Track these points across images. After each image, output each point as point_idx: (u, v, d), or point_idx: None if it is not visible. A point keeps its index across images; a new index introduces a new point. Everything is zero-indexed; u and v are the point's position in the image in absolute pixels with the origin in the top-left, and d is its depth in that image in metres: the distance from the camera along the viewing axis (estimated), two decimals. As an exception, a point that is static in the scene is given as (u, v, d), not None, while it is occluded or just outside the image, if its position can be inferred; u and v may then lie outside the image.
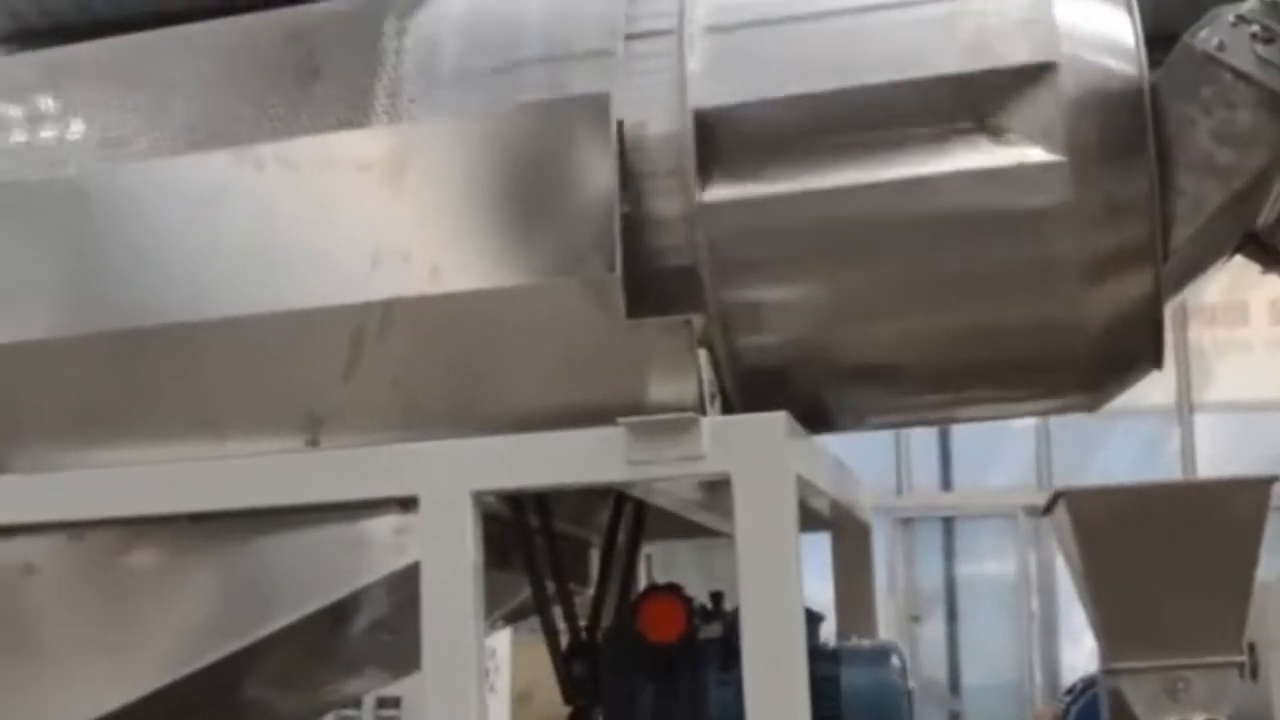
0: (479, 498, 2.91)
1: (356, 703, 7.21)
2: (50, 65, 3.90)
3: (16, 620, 3.26)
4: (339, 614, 3.21)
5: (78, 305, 3.24)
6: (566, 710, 3.45)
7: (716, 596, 3.36)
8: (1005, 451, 12.57)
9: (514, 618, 4.28)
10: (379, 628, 3.61)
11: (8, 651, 3.27)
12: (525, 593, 3.69)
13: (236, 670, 3.25)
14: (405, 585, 3.01)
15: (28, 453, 3.30)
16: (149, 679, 3.12)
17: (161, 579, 3.15)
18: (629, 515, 3.65)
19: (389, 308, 2.97)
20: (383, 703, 7.59)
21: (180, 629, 3.14)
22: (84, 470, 3.21)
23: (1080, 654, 11.41)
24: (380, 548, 2.99)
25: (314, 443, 3.07)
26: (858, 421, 3.50)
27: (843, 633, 3.72)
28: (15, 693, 3.26)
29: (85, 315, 3.23)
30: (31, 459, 3.29)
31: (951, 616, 12.83)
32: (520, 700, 8.66)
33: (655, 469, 2.85)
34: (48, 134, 3.61)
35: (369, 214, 3.02)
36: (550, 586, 3.45)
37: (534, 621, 4.32)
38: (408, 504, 2.94)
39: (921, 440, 12.34)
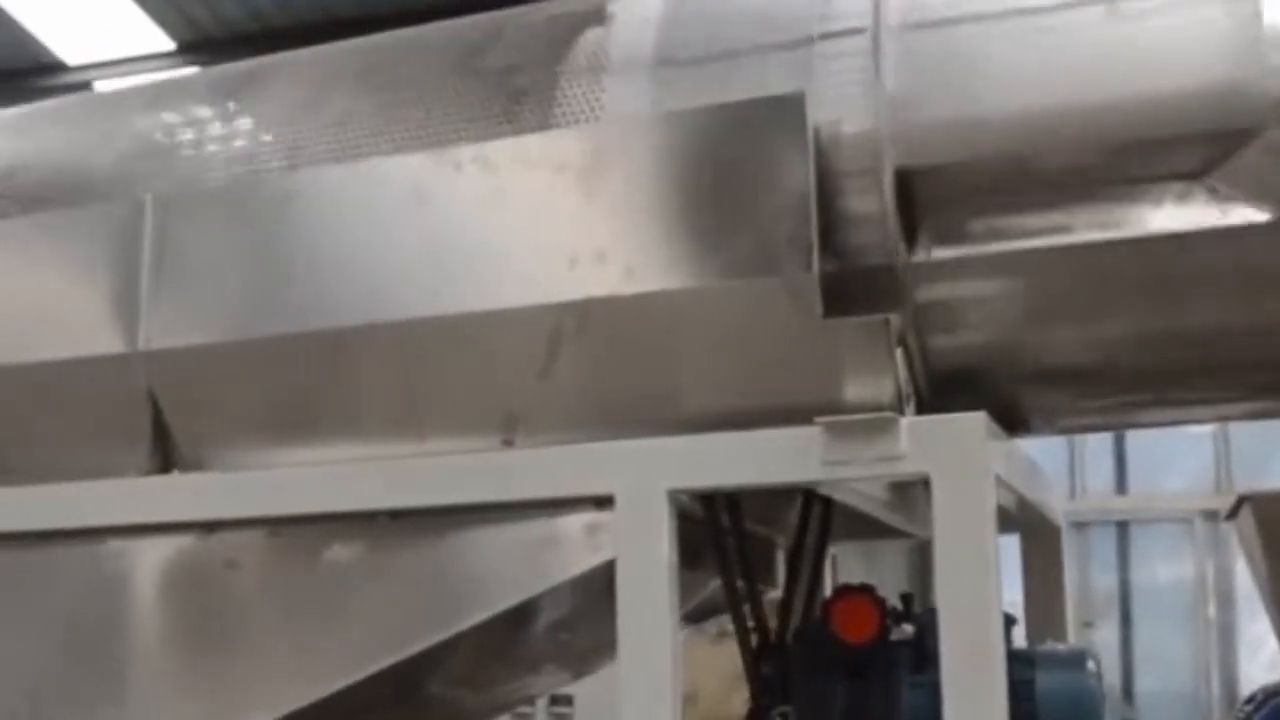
0: (674, 496, 2.91)
1: (529, 700, 7.28)
2: (246, 73, 3.99)
3: (219, 613, 3.35)
4: (524, 612, 3.24)
5: (278, 305, 3.30)
6: (731, 711, 3.44)
7: (907, 598, 3.33)
8: (1181, 455, 12.30)
9: (692, 618, 4.28)
10: (559, 627, 3.64)
11: (211, 643, 3.35)
12: (705, 592, 3.70)
13: (426, 666, 3.30)
14: (589, 584, 3.03)
15: (227, 451, 3.39)
16: (347, 672, 3.17)
17: (360, 574, 3.20)
18: (817, 515, 3.64)
19: (585, 308, 2.98)
20: (556, 700, 7.65)
21: (378, 624, 3.19)
22: (284, 468, 3.29)
23: (1259, 663, 11.15)
24: (575, 546, 3.01)
25: (510, 442, 3.10)
26: (1050, 424, 3.45)
27: (1036, 636, 3.67)
28: (217, 683, 3.34)
29: (285, 315, 3.29)
30: (231, 457, 3.38)
31: (1125, 622, 12.61)
32: (686, 701, 8.68)
33: (852, 469, 2.83)
34: (246, 138, 3.70)
35: (566, 214, 3.04)
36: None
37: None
38: (603, 502, 2.96)
39: (1096, 444, 12.13)
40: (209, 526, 3.32)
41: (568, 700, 7.58)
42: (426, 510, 3.11)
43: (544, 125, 3.25)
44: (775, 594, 3.78)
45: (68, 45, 14.06)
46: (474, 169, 3.13)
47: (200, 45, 13.68)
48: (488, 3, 3.86)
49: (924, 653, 3.00)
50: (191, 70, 13.07)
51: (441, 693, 3.87)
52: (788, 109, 2.91)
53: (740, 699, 3.41)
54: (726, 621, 3.41)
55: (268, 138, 3.65)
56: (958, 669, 2.72)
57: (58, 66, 14.15)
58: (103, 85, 13.57)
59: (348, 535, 3.19)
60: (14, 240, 3.69)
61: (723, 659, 3.32)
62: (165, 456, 3.42)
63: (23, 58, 13.96)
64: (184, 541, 3.36)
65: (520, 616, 3.28)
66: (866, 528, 3.71)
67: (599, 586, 3.02)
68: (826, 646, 3.15)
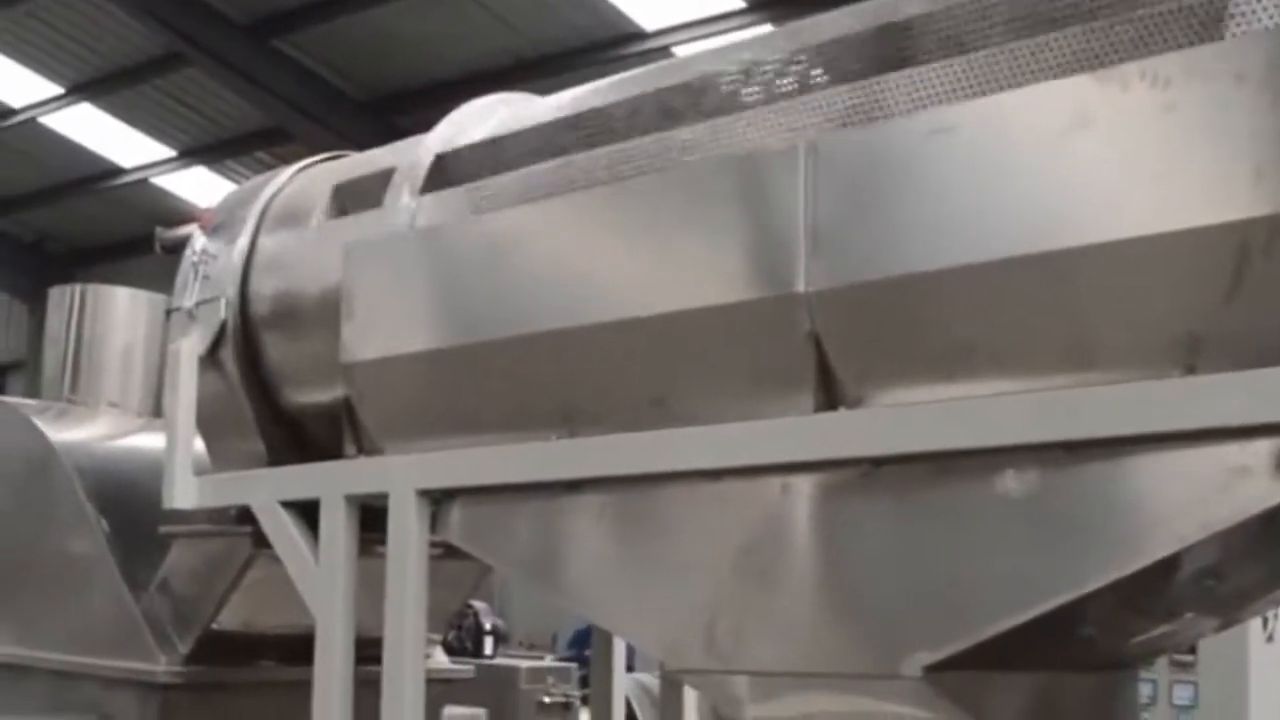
0: (1387, 420, 2.71)
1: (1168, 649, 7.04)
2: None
3: (884, 549, 3.40)
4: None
5: (933, 239, 3.27)
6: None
7: None
8: None
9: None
10: (1209, 570, 3.47)
11: (873, 580, 3.41)
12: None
13: (1083, 606, 3.21)
14: (1243, 527, 2.88)
15: (889, 389, 3.39)
16: (1015, 612, 3.15)
17: (1034, 510, 3.15)
18: None
19: (1276, 222, 2.81)
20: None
21: (1052, 561, 3.13)
22: (952, 402, 3.27)
23: None
24: (1267, 476, 2.85)
25: (1191, 369, 2.96)
26: None
27: None
28: (875, 619, 3.41)
29: (938, 249, 3.26)
30: (892, 395, 3.39)
31: None
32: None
33: None
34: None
35: (1248, 126, 2.85)
36: None
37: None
38: None
39: None
40: (876, 462, 3.36)
41: (1190, 654, 7.31)
42: (1105, 441, 3.02)
43: (1213, 37, 3.09)
44: None
45: (645, 12, 14.67)
46: (1142, 86, 2.99)
47: (768, 2, 13.98)
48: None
49: None
50: (765, 27, 13.38)
51: (1090, 635, 3.78)
52: None
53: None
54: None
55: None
56: None
57: (637, 35, 14.79)
58: (680, 50, 14.07)
59: (1020, 469, 3.15)
60: (671, 192, 3.86)
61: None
62: (829, 395, 3.46)
63: (605, 29, 14.67)
64: (850, 477, 3.41)
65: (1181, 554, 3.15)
66: None
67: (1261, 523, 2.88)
68: None
